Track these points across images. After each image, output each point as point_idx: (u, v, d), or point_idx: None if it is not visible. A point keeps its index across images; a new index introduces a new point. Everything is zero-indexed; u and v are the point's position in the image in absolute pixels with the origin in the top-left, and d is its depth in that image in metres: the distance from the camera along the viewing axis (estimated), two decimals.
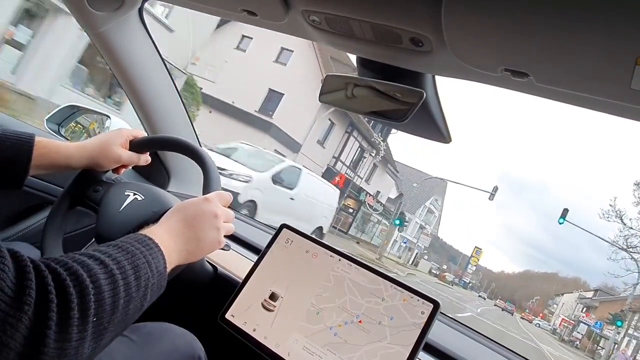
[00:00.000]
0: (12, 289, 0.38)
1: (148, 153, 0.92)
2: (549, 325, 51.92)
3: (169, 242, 0.60)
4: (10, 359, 0.38)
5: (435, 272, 51.97)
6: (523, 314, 61.26)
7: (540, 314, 65.48)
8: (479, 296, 59.95)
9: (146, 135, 0.93)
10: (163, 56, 1.19)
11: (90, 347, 0.45)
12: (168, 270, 0.58)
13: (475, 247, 55.77)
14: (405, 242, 41.26)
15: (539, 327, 48.92)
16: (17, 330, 0.38)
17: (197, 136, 1.37)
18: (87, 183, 0.88)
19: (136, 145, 0.89)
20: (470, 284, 68.84)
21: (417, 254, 48.46)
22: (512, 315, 51.11)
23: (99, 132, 1.25)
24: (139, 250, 0.53)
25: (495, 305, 56.67)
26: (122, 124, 1.22)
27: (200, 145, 0.98)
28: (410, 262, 43.79)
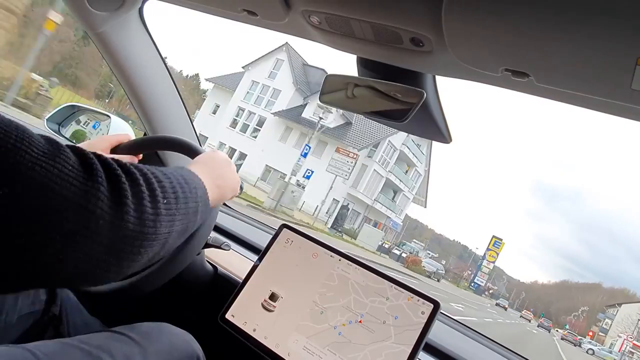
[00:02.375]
0: (78, 169, 0.40)
1: (141, 155, 0.91)
2: (610, 351, 35.03)
3: (202, 176, 0.60)
4: (101, 227, 0.40)
5: (395, 251, 30.70)
6: (564, 333, 42.08)
7: (589, 332, 50.30)
8: (497, 304, 41.45)
9: (134, 138, 0.91)
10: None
11: (167, 227, 0.47)
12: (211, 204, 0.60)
13: (494, 236, 38.63)
14: (308, 177, 19.75)
15: (593, 354, 32.86)
16: (99, 199, 0.40)
17: (197, 136, 1.37)
18: None
19: (126, 149, 0.88)
20: (490, 291, 49.53)
21: (349, 212, 26.01)
22: (549, 332, 37.46)
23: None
24: (182, 172, 0.55)
25: (521, 316, 42.32)
26: (123, 125, 1.22)
27: (201, 145, 0.97)
28: (328, 224, 23.46)
